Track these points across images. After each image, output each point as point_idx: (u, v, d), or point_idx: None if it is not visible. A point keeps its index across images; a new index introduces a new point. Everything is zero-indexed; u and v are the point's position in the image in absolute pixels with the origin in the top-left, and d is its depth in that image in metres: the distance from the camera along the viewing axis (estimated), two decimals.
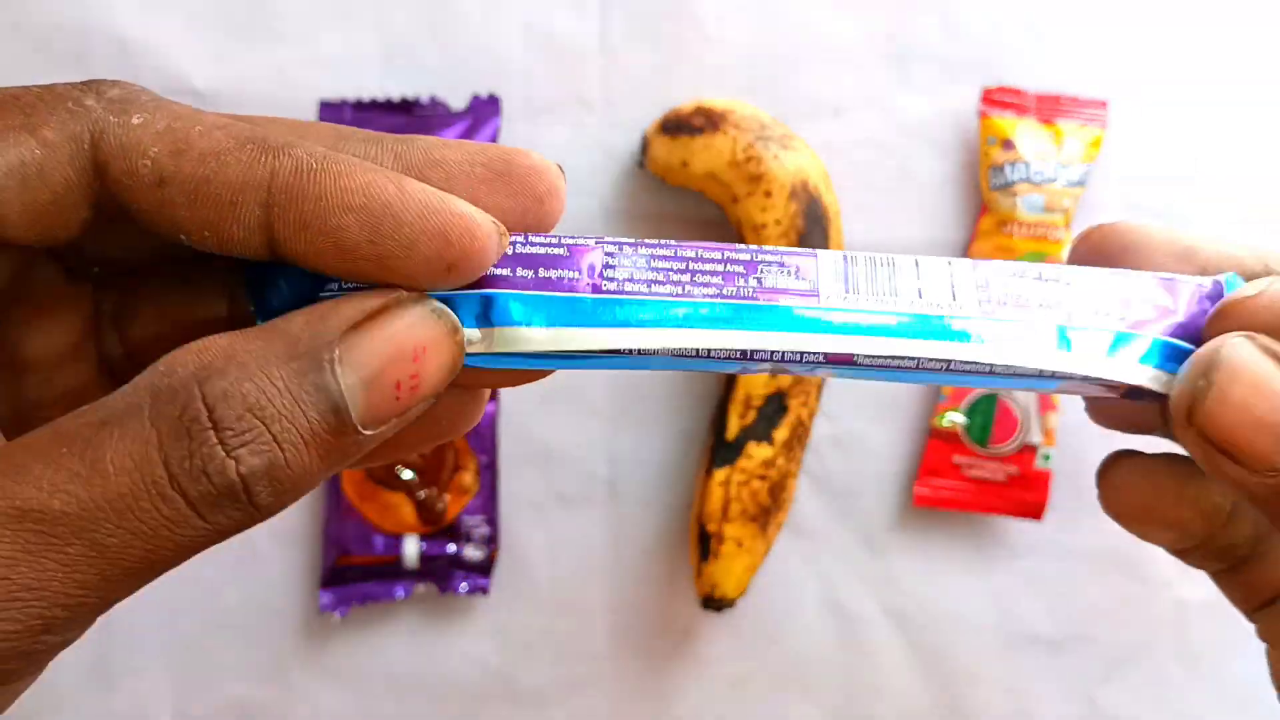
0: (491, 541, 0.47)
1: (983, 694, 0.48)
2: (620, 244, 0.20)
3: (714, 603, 0.45)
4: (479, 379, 0.21)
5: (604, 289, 0.20)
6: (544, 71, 0.46)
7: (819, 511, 0.48)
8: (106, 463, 0.16)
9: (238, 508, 0.17)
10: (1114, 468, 0.23)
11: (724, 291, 0.20)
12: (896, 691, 0.48)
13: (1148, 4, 0.47)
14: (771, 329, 0.20)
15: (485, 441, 0.47)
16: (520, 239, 0.20)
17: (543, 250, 0.20)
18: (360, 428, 0.18)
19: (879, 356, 0.20)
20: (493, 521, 0.47)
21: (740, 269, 0.20)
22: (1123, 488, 0.23)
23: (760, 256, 0.21)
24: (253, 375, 0.17)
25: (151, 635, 0.47)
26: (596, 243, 0.20)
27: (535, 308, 0.20)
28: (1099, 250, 0.23)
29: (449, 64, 0.46)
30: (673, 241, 0.21)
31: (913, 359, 0.20)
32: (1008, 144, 0.46)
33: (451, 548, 0.46)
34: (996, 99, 0.46)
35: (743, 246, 0.21)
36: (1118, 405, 0.24)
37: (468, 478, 0.46)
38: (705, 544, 0.45)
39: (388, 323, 0.18)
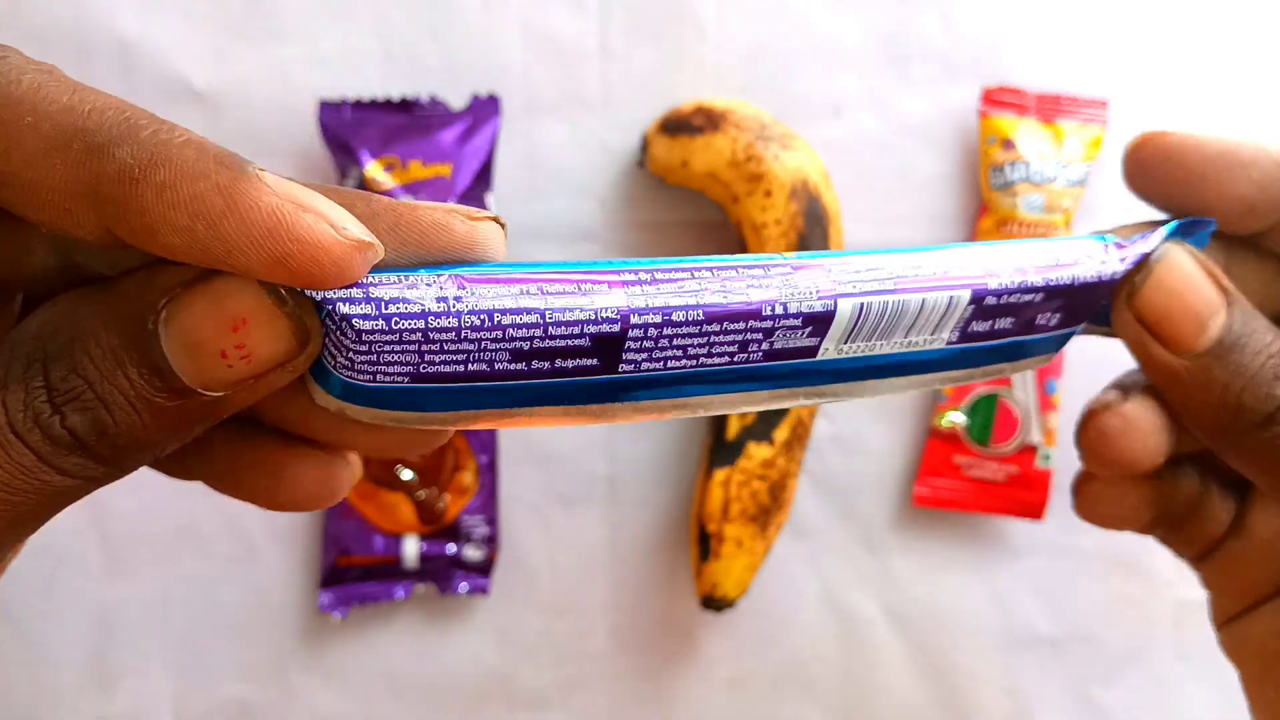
0: (491, 541, 0.47)
1: (983, 694, 0.48)
2: (646, 313, 0.19)
3: (714, 603, 0.45)
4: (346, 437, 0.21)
5: (621, 369, 0.20)
6: (544, 71, 0.46)
7: (819, 511, 0.48)
8: None
9: (82, 457, 0.18)
10: (1088, 486, 0.27)
11: (735, 359, 0.21)
12: (896, 691, 0.48)
13: (1148, 4, 0.47)
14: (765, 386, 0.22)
15: (485, 441, 0.47)
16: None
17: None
18: (200, 389, 0.18)
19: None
20: (493, 521, 0.47)
21: (759, 336, 0.21)
22: (1098, 502, 0.27)
23: (782, 323, 0.21)
24: (82, 337, 0.17)
25: (151, 635, 0.46)
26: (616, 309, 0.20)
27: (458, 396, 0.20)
28: (1150, 166, 0.26)
29: (449, 64, 0.46)
30: (697, 300, 0.20)
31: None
32: (1008, 144, 0.46)
33: (451, 548, 0.46)
34: (996, 99, 0.46)
35: (766, 310, 0.20)
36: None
37: (468, 478, 0.46)
38: (705, 544, 0.45)
39: (211, 288, 0.18)
